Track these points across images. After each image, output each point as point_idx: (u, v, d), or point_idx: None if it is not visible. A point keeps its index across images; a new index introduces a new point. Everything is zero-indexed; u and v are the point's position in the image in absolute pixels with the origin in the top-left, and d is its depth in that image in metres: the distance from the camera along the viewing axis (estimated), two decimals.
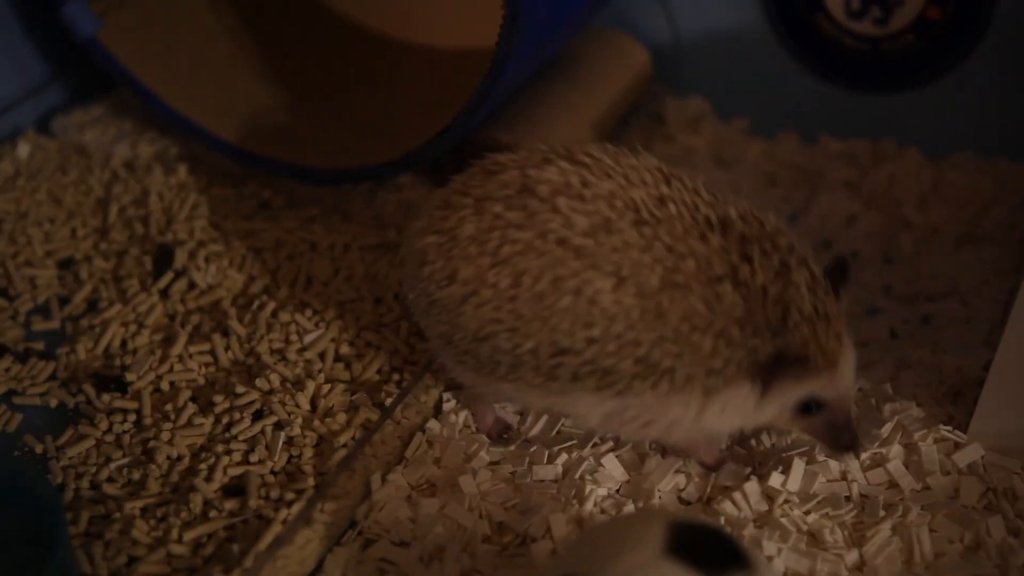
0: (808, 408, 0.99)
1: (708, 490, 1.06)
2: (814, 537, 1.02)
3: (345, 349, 1.18)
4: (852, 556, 1.00)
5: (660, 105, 1.62)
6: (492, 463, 1.10)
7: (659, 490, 1.06)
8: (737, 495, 1.04)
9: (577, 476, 1.06)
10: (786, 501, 1.05)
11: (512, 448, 1.11)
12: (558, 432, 1.13)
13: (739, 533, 1.01)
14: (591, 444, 1.11)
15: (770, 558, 0.99)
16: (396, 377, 1.16)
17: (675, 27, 1.59)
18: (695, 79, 1.62)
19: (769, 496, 1.05)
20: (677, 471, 1.08)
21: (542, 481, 1.07)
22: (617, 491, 1.07)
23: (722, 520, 1.02)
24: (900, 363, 1.22)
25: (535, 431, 1.13)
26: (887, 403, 1.14)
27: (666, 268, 0.93)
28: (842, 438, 1.00)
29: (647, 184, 0.96)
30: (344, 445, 1.07)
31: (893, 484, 1.08)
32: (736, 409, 0.98)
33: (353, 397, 1.13)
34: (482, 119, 1.28)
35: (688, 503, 1.06)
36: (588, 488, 1.04)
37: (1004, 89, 1.45)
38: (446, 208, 1.01)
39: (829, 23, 1.49)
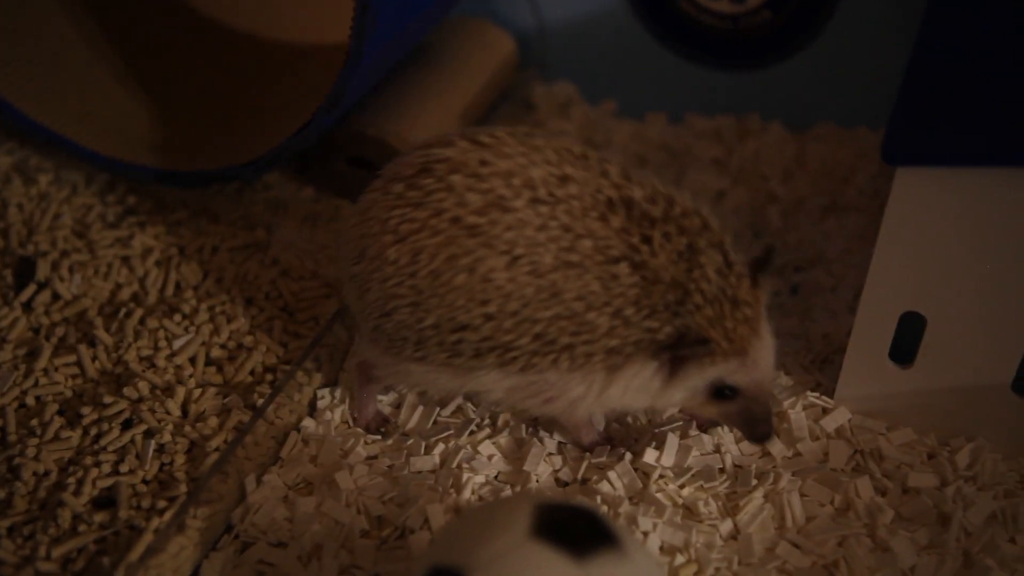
0: (721, 393, 0.99)
1: (583, 471, 1.07)
2: (689, 510, 1.04)
3: (217, 352, 1.17)
4: (726, 525, 1.02)
5: (528, 91, 1.62)
6: (369, 458, 1.09)
7: (536, 474, 1.06)
8: (612, 474, 1.05)
9: (454, 465, 1.06)
10: (661, 476, 1.06)
11: (390, 442, 1.11)
12: (434, 423, 1.13)
13: (615, 511, 1.02)
14: (468, 432, 1.11)
15: (646, 534, 1.00)
16: (270, 377, 1.15)
17: (539, 14, 1.60)
18: (562, 64, 1.63)
19: (644, 472, 1.06)
20: (552, 453, 1.09)
21: (419, 472, 1.07)
22: (495, 477, 1.07)
23: (598, 499, 1.03)
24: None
25: (412, 423, 1.13)
26: None
27: (561, 247, 0.93)
28: (757, 427, 1.01)
29: (550, 163, 0.96)
30: (216, 449, 1.05)
31: (765, 453, 1.10)
32: (641, 388, 0.98)
33: (225, 400, 1.11)
34: (342, 113, 1.27)
35: (565, 484, 1.07)
36: (465, 476, 1.05)
37: (860, 60, 1.48)
38: (367, 192, 1.02)
39: (688, 3, 1.51)
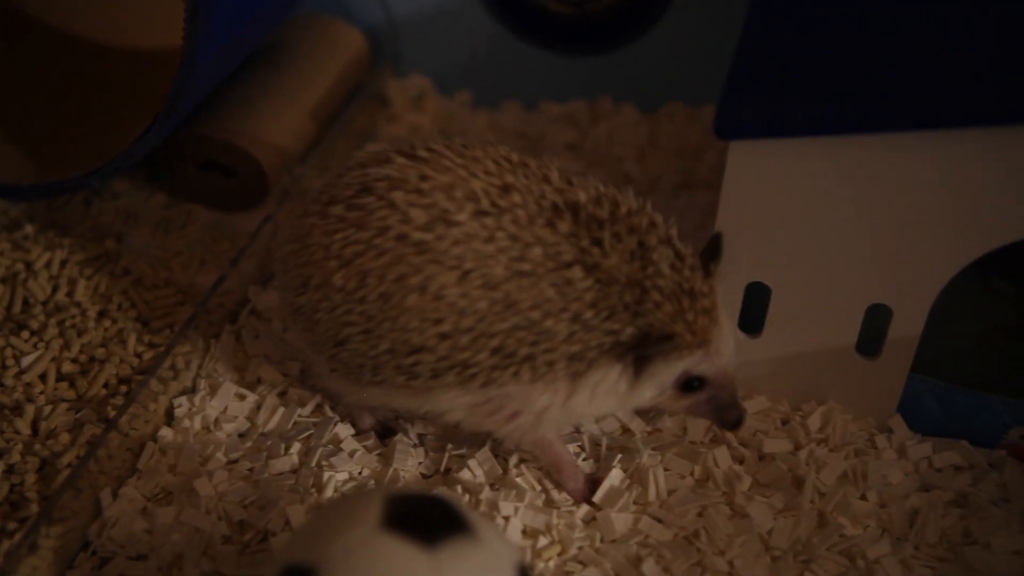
0: (690, 385, 0.97)
1: (445, 462, 1.07)
2: (549, 493, 1.05)
3: (68, 367, 1.15)
4: (584, 510, 1.03)
5: (382, 86, 1.62)
6: (230, 462, 1.08)
7: (399, 468, 1.06)
8: (472, 461, 1.06)
9: (314, 464, 1.06)
10: (522, 461, 1.07)
11: (249, 444, 1.10)
12: (295, 423, 1.12)
13: (476, 498, 1.02)
14: (330, 429, 1.10)
15: (507, 518, 1.00)
16: (124, 389, 1.13)
17: (388, 8, 1.59)
18: (414, 57, 1.63)
19: (504, 458, 1.07)
20: (415, 445, 1.09)
21: (280, 474, 1.06)
22: (359, 473, 1.07)
23: (459, 488, 1.04)
24: None
25: (272, 424, 1.12)
26: None
27: (511, 257, 0.91)
28: (729, 413, 1.00)
29: (490, 174, 0.94)
30: (69, 465, 1.03)
31: (626, 430, 1.11)
32: (608, 392, 0.96)
33: (78, 415, 1.09)
34: (186, 117, 1.25)
35: (428, 476, 1.07)
36: (327, 475, 1.04)
37: (705, 38, 1.50)
38: (303, 216, 0.98)
39: None
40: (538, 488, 1.05)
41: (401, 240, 0.92)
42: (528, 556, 0.98)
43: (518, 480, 1.04)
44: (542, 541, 1.00)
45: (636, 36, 1.54)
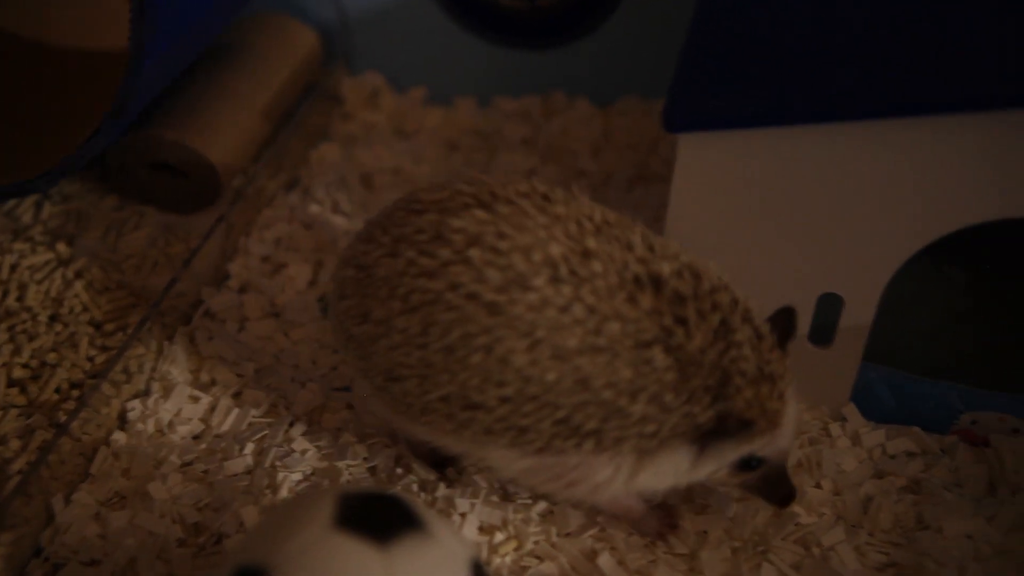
0: (748, 465, 0.94)
1: (396, 461, 1.07)
2: (505, 489, 1.04)
3: (19, 372, 1.13)
4: (540, 506, 1.03)
5: (335, 84, 1.61)
6: (184, 465, 1.07)
7: (350, 467, 1.06)
8: None
9: (268, 465, 1.05)
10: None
11: (204, 446, 1.09)
12: (249, 424, 1.11)
13: (432, 496, 1.02)
14: (284, 429, 1.10)
15: (464, 515, 1.00)
16: (76, 393, 1.12)
17: (341, 6, 1.59)
18: (367, 55, 1.63)
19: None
20: (372, 444, 1.09)
21: (234, 475, 1.05)
22: (312, 475, 1.06)
23: (415, 486, 1.03)
24: None
25: (226, 426, 1.11)
26: None
27: (587, 330, 0.87)
28: (780, 490, 0.96)
29: (571, 237, 0.90)
30: (19, 472, 1.02)
31: None
32: (671, 470, 0.93)
33: (29, 420, 1.08)
34: (134, 118, 1.24)
35: (383, 474, 1.07)
36: (281, 475, 1.04)
37: (658, 31, 1.50)
38: (368, 242, 0.96)
39: None
40: (495, 485, 1.05)
41: (472, 299, 0.89)
42: (484, 552, 0.98)
43: (475, 477, 1.04)
44: (498, 536, 1.00)
45: (589, 30, 1.54)
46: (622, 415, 0.89)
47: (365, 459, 1.08)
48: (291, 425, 1.11)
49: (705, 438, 0.91)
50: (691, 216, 1.02)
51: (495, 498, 1.03)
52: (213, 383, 1.16)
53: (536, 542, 1.00)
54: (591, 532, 1.00)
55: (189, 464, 1.07)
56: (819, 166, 0.96)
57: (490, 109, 1.60)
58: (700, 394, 0.89)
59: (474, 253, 0.89)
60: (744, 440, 0.91)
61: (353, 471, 1.06)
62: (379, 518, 0.79)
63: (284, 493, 1.02)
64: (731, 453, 0.92)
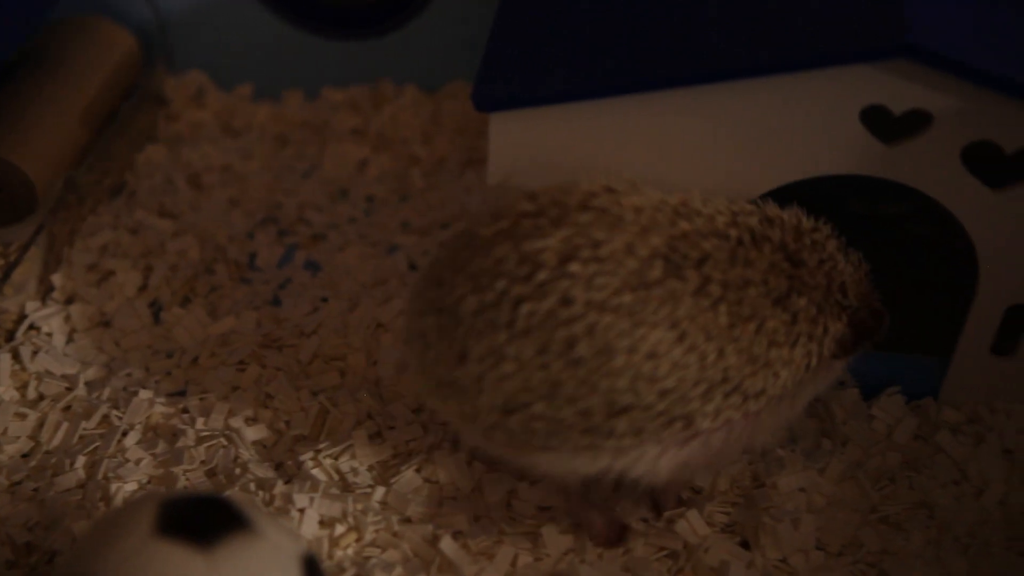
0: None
1: (234, 460, 1.06)
2: (345, 480, 1.04)
3: None
4: (380, 492, 1.03)
5: (158, 86, 1.58)
6: (13, 485, 1.04)
7: (186, 471, 1.05)
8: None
9: (101, 477, 1.03)
10: (317, 452, 1.06)
11: (34, 463, 1.06)
12: (80, 437, 1.09)
13: (270, 494, 1.01)
14: (117, 439, 1.08)
15: (302, 510, 1.00)
16: None
17: (155, 5, 1.55)
18: (189, 54, 1.59)
19: (293, 451, 1.06)
20: (209, 447, 1.07)
21: (66, 491, 1.03)
22: (148, 483, 1.04)
23: (252, 486, 1.02)
24: None
25: (56, 441, 1.08)
26: None
27: (729, 305, 0.89)
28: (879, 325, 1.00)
29: (662, 224, 0.90)
30: None
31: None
32: (820, 385, 0.98)
33: None
34: None
35: (215, 475, 1.05)
36: (114, 487, 1.02)
37: (480, 14, 1.50)
38: (439, 286, 0.92)
39: None
40: (335, 476, 1.04)
41: (594, 307, 0.86)
42: (325, 546, 0.98)
43: (313, 472, 1.04)
44: (339, 529, 0.99)
45: (411, 16, 1.54)
46: (786, 364, 0.92)
47: (203, 462, 1.06)
48: (124, 435, 1.09)
49: (850, 347, 0.96)
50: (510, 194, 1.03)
51: (335, 490, 1.02)
52: (41, 398, 1.13)
53: (377, 531, 1.00)
54: (435, 520, 1.01)
55: (18, 483, 1.04)
56: (627, 137, 0.98)
57: (319, 101, 1.59)
58: (836, 313, 0.93)
59: (575, 267, 0.87)
60: (881, 330, 0.97)
61: (190, 475, 1.05)
62: (202, 521, 0.78)
63: (119, 504, 1.00)
64: (864, 348, 0.98)
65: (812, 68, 0.92)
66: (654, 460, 0.92)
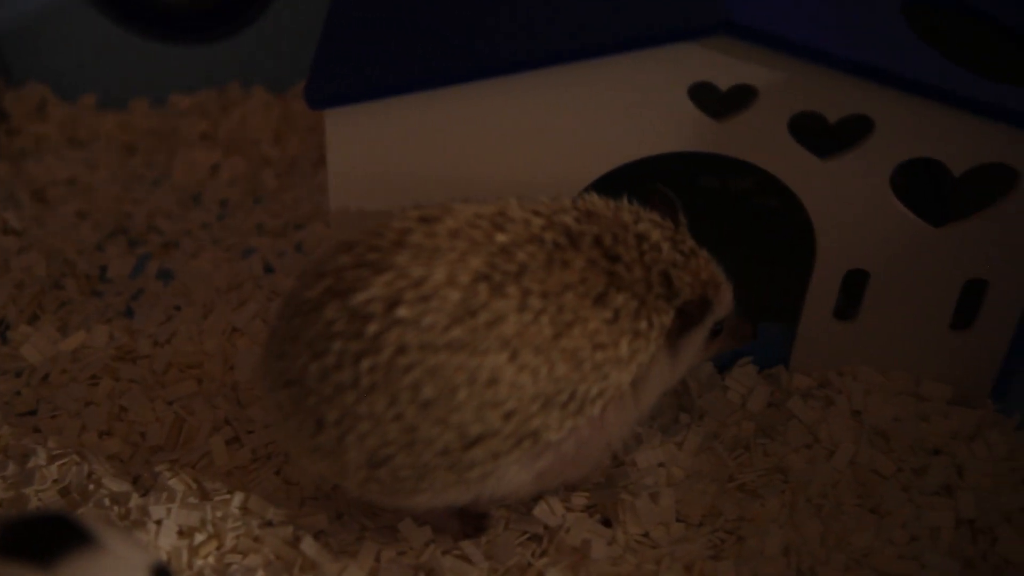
0: (715, 333, 0.99)
1: (86, 475, 1.04)
2: (203, 488, 1.03)
3: None
4: (239, 498, 1.02)
5: None
6: None
7: (39, 492, 1.02)
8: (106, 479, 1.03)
9: None
10: (175, 461, 1.05)
11: None
12: None
13: (125, 507, 0.99)
14: None
15: (159, 522, 0.98)
16: None
17: None
18: (27, 66, 1.56)
19: (150, 462, 1.05)
20: (62, 465, 1.05)
21: None
22: None
23: (107, 502, 1.00)
24: (272, 295, 1.25)
25: None
26: None
27: (551, 314, 0.88)
28: (744, 330, 1.03)
29: (479, 242, 0.89)
30: None
31: None
32: (662, 380, 0.97)
33: None
34: None
35: (69, 493, 1.03)
36: None
37: (322, 12, 1.49)
38: (282, 359, 0.91)
39: None
40: (193, 485, 1.03)
41: (427, 348, 0.86)
42: (185, 555, 0.97)
43: (170, 482, 1.02)
44: (199, 538, 0.98)
45: (254, 17, 1.52)
46: (616, 363, 0.92)
47: (55, 481, 1.04)
48: None
49: (678, 336, 0.95)
50: (353, 190, 1.03)
51: (193, 499, 1.01)
52: None
53: (237, 537, 0.99)
54: (292, 524, 1.00)
55: None
56: (458, 127, 0.99)
57: (166, 108, 1.57)
58: (659, 305, 0.93)
59: (403, 312, 0.87)
60: (707, 316, 0.96)
61: (43, 495, 1.02)
62: (43, 539, 0.77)
63: None
64: (701, 333, 0.98)
65: (637, 48, 0.93)
66: (516, 476, 0.93)
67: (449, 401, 0.87)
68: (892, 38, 1.00)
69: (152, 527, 0.98)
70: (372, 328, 0.87)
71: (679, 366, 0.99)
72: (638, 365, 0.93)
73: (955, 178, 1.01)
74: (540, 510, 1.02)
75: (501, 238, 0.90)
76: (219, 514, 1.00)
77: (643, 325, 0.92)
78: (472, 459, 0.90)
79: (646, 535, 1.01)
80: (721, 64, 0.94)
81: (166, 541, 0.97)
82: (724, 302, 0.99)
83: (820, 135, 1.00)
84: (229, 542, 0.98)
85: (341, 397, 0.88)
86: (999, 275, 1.06)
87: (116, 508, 1.00)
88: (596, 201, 0.96)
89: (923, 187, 1.23)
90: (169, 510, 0.99)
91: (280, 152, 1.48)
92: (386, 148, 1.00)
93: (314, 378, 0.89)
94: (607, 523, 1.02)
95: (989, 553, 1.00)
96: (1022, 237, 1.03)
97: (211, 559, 0.97)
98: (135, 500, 1.00)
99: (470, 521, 1.02)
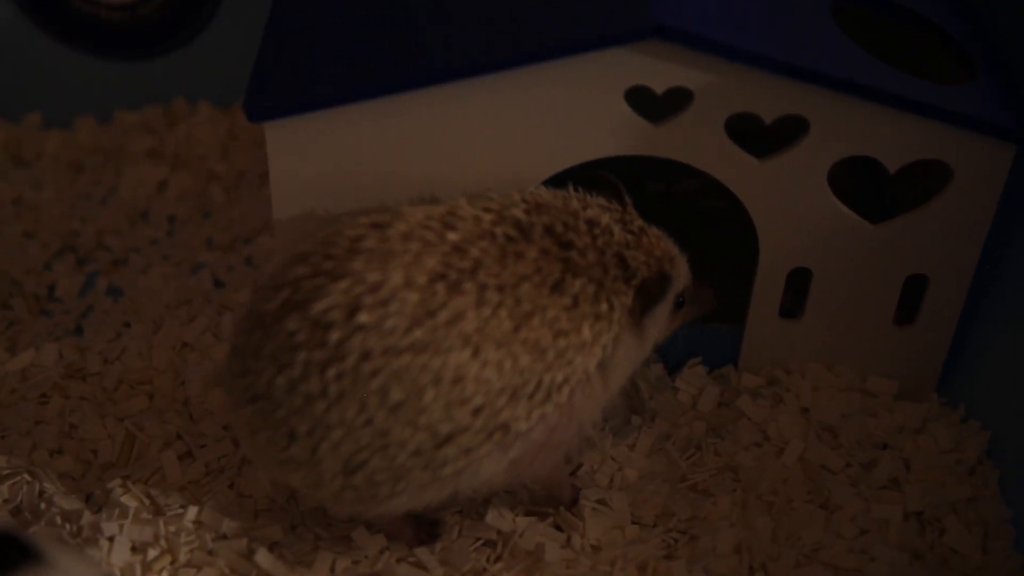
0: (679, 306, 1.01)
1: (39, 496, 1.04)
2: (156, 503, 1.03)
3: None
4: (192, 511, 1.02)
5: None
6: None
7: None
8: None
9: None
10: (127, 477, 1.05)
11: None
12: None
13: (76, 525, 0.99)
14: None
15: (112, 539, 0.98)
16: None
17: None
18: None
19: (102, 479, 1.05)
20: (12, 484, 1.05)
21: None
22: None
23: (58, 520, 1.00)
24: (223, 308, 1.25)
25: None
26: None
27: (509, 307, 0.89)
28: (706, 298, 1.04)
29: (432, 243, 0.89)
30: None
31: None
32: (629, 360, 0.98)
33: None
34: None
35: (20, 512, 1.03)
36: None
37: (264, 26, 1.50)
38: (245, 375, 0.91)
39: (80, 0, 1.47)
40: (146, 501, 1.03)
41: (391, 352, 0.87)
42: (138, 572, 0.96)
43: (122, 499, 1.02)
44: (152, 553, 0.98)
45: (197, 32, 1.52)
46: (579, 348, 0.92)
47: (6, 501, 1.03)
48: None
49: (640, 315, 0.96)
50: (295, 200, 1.03)
51: (146, 515, 1.01)
52: None
53: (191, 551, 0.99)
54: (247, 537, 1.00)
55: None
56: (399, 136, 0.99)
57: (111, 125, 1.56)
58: (618, 287, 0.94)
59: (364, 318, 0.87)
60: (667, 291, 0.97)
61: None
62: None
63: None
64: (664, 308, 0.98)
65: (570, 54, 0.94)
66: (490, 469, 0.94)
67: (417, 402, 0.88)
68: (823, 38, 1.01)
69: (104, 544, 0.97)
70: (335, 336, 0.87)
71: (647, 343, 1.00)
72: (602, 348, 0.94)
73: (891, 175, 1.03)
74: (493, 516, 1.02)
75: (453, 237, 0.91)
76: (172, 529, 1.00)
77: (603, 307, 0.93)
78: (445, 457, 0.90)
79: (600, 538, 1.02)
80: (655, 68, 0.95)
81: (119, 557, 0.97)
82: (682, 274, 1.00)
83: (757, 136, 1.01)
84: (183, 557, 0.98)
85: (311, 407, 0.89)
86: (938, 270, 1.08)
87: (68, 526, 0.99)
88: (544, 193, 0.96)
89: (865, 185, 1.24)
90: (122, 526, 0.99)
91: (227, 167, 1.48)
92: (326, 158, 1.00)
93: (281, 391, 0.89)
94: (559, 528, 1.03)
95: (937, 544, 1.02)
96: (959, 232, 1.05)
97: (165, 574, 0.97)
98: (87, 517, 1.00)
99: (423, 528, 1.02)
